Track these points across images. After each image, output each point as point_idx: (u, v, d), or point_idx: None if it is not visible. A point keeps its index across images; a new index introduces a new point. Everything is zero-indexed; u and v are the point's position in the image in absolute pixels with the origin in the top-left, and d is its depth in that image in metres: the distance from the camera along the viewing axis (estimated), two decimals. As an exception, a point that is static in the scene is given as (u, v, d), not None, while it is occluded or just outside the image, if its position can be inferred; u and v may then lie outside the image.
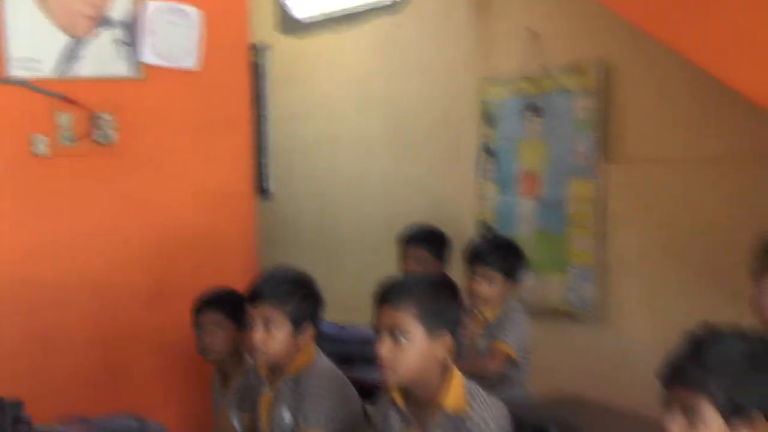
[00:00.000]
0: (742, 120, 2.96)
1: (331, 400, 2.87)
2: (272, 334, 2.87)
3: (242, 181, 4.26)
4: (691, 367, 1.99)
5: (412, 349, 2.43)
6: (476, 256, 3.67)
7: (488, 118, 4.85)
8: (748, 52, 2.86)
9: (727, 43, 2.91)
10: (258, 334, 2.87)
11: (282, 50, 6.24)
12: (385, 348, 2.44)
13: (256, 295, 2.91)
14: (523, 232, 4.61)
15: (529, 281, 4.32)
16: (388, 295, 2.49)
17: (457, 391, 2.48)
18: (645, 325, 4.07)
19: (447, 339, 2.47)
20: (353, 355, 4.07)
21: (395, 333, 2.43)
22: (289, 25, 6.23)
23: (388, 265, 4.25)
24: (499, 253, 3.67)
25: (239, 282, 3.39)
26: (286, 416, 2.90)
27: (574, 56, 4.36)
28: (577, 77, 4.33)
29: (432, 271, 4.04)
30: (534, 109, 4.58)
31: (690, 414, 1.97)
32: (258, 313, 2.88)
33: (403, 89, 5.44)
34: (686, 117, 3.89)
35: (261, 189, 5.96)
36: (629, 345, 4.04)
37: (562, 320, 4.48)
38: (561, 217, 4.45)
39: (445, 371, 2.49)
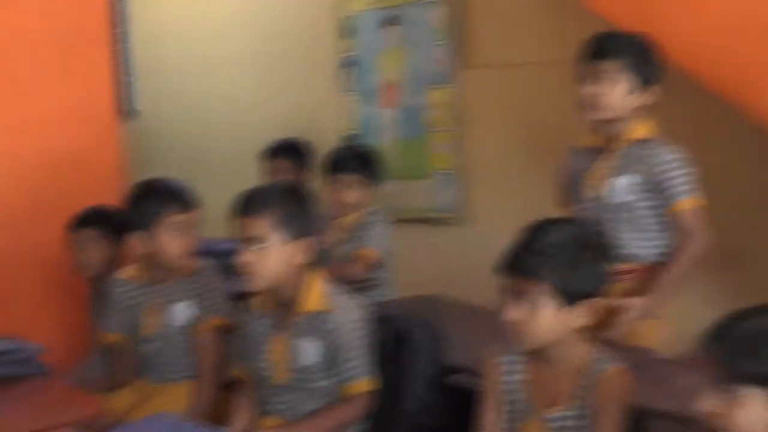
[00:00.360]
0: (585, 24, 3.10)
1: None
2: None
3: (103, 99, 4.20)
4: (525, 255, 2.12)
5: (272, 254, 2.53)
6: (335, 165, 3.77)
7: (348, 30, 4.91)
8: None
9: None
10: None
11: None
12: (246, 256, 2.54)
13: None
14: (386, 141, 4.72)
15: (391, 187, 4.47)
16: (244, 206, 2.57)
17: (318, 292, 2.61)
18: (504, 224, 4.09)
19: (305, 243, 2.58)
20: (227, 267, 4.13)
21: (254, 241, 2.52)
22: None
23: (257, 179, 4.32)
24: (357, 160, 3.79)
25: (110, 199, 3.41)
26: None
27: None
28: (433, -14, 4.42)
29: (295, 181, 4.15)
30: (392, 19, 4.65)
31: (526, 300, 2.10)
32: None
33: (265, 5, 5.43)
34: (534, 23, 4.03)
35: (126, 108, 5.89)
36: (489, 244, 4.20)
37: (426, 225, 4.64)
38: (421, 125, 4.57)
39: (305, 274, 2.61)
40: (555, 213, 3.20)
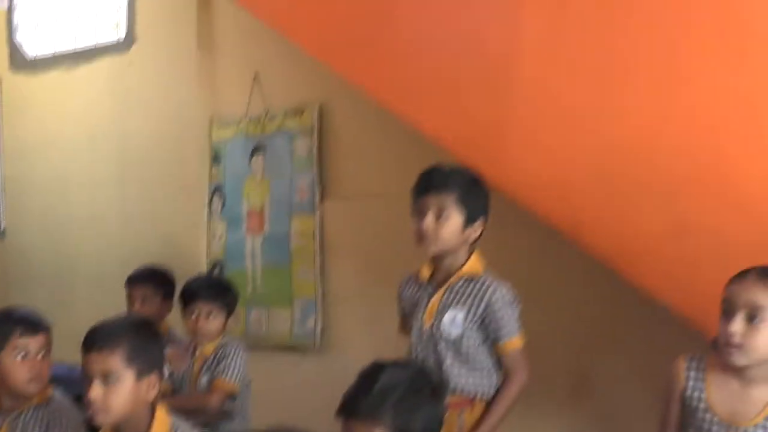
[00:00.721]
0: (435, 156, 3.23)
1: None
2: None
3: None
4: (362, 398, 2.16)
5: (122, 391, 2.50)
6: (192, 293, 3.77)
7: (216, 157, 4.97)
8: (427, 97, 3.15)
9: (408, 89, 3.19)
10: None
11: (13, 86, 6.12)
12: (95, 392, 2.50)
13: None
14: (252, 268, 4.75)
15: (255, 314, 4.47)
16: (93, 341, 2.55)
17: (162, 428, 2.57)
18: (365, 352, 4.23)
19: (153, 378, 2.56)
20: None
21: (104, 376, 2.49)
22: (20, 61, 6.12)
23: (122, 303, 4.28)
24: (213, 289, 3.80)
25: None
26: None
27: (294, 99, 4.58)
28: (297, 119, 4.54)
29: (157, 309, 4.13)
30: (258, 148, 4.74)
31: None
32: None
33: (134, 127, 5.45)
34: (390, 154, 4.18)
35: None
36: (350, 372, 4.23)
37: (289, 353, 4.64)
38: (286, 252, 4.62)
39: (151, 410, 2.58)
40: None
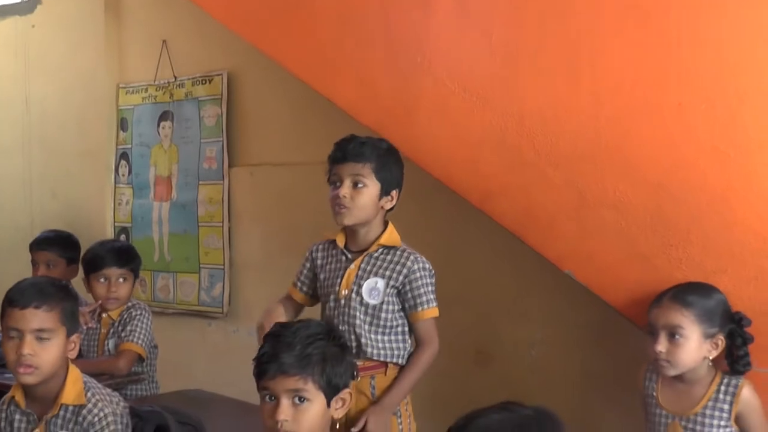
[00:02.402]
0: (345, 126, 3.29)
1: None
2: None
3: None
4: (287, 355, 2.21)
5: (55, 348, 2.58)
6: (96, 260, 3.79)
7: (123, 123, 4.96)
8: (339, 70, 3.21)
9: (322, 60, 3.24)
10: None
11: None
12: (28, 348, 2.53)
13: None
14: (159, 235, 4.77)
15: (163, 280, 4.49)
16: (30, 299, 2.58)
17: (75, 386, 2.64)
18: None
19: (75, 338, 2.65)
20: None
21: (38, 334, 2.55)
22: None
23: (26, 268, 4.25)
24: (123, 254, 3.82)
25: None
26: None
27: (202, 66, 4.60)
28: (205, 86, 4.55)
29: (62, 274, 4.12)
30: (166, 115, 4.75)
31: (295, 399, 2.21)
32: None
33: (38, 91, 5.39)
34: (297, 124, 4.24)
35: None
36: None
37: (197, 318, 4.69)
38: (193, 220, 4.66)
39: (65, 369, 2.64)
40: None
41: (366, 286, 2.88)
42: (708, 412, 2.65)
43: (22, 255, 4.42)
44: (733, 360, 2.67)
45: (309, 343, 2.24)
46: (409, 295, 2.87)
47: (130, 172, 4.93)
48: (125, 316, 3.73)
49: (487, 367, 3.69)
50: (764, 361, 2.69)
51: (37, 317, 2.56)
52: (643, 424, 2.85)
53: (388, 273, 2.88)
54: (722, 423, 2.64)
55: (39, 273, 4.19)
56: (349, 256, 2.94)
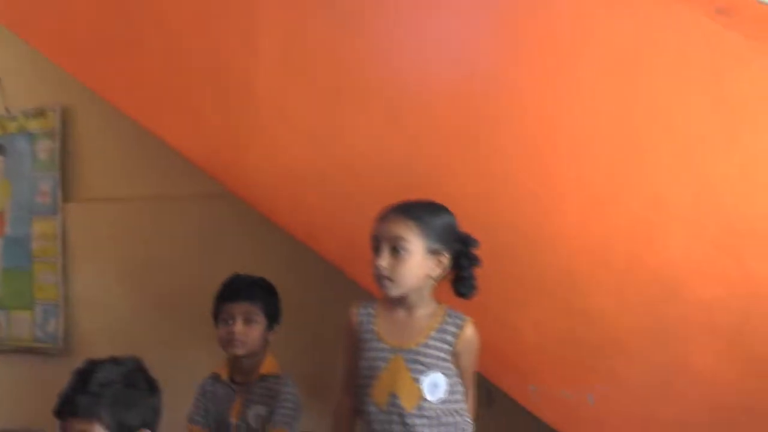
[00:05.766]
0: (179, 162, 3.34)
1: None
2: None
3: None
4: (80, 397, 2.26)
5: None
6: None
7: (-46, 156, 4.84)
8: (168, 107, 3.25)
9: (150, 98, 3.28)
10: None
11: None
12: None
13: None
14: (-9, 270, 4.67)
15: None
16: None
17: None
18: (109, 355, 4.30)
19: None
20: None
21: None
22: None
23: None
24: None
25: None
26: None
27: (36, 101, 4.55)
28: (38, 120, 4.50)
29: None
30: (-2, 149, 4.67)
31: None
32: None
33: None
34: (131, 159, 4.25)
35: None
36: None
37: (31, 356, 4.59)
38: (27, 255, 4.58)
39: None
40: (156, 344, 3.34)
41: (251, 413, 3.10)
42: (431, 343, 2.55)
43: None
44: (458, 281, 2.60)
45: (103, 384, 2.29)
46: (275, 416, 3.08)
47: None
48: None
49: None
50: (569, 384, 2.82)
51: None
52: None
53: (269, 401, 3.10)
54: (442, 355, 2.54)
55: None
56: (233, 387, 3.15)
